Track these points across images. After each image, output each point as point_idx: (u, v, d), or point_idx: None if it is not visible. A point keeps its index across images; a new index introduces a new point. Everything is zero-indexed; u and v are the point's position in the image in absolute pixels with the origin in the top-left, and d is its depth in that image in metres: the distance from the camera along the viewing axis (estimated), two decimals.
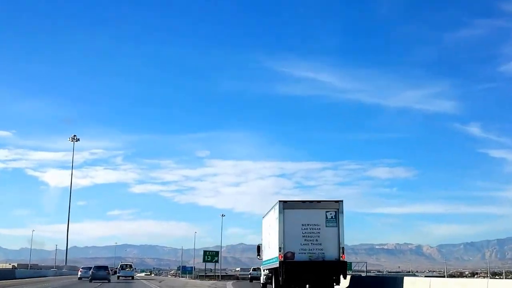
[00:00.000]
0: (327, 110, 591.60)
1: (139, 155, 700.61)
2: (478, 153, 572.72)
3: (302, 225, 22.18)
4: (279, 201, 22.53)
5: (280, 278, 22.18)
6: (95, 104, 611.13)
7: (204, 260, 67.22)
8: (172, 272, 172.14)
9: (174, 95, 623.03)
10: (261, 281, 31.13)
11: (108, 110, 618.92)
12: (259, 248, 30.76)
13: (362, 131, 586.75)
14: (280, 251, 21.93)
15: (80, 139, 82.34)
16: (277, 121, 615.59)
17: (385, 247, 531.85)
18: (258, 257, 30.85)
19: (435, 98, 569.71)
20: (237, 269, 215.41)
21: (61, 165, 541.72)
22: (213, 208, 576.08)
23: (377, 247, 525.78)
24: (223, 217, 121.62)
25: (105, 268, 45.23)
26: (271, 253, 24.37)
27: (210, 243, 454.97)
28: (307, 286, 23.77)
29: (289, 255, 21.96)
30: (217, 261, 68.14)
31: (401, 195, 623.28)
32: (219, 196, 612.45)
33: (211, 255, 68.87)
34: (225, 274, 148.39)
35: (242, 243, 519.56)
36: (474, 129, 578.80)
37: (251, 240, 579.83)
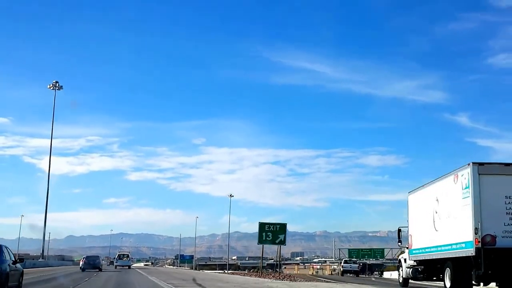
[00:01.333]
0: (322, 100, 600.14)
1: (135, 142, 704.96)
2: (467, 142, 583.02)
3: (506, 197, 16.87)
4: (472, 163, 17.03)
5: (474, 273, 16.86)
6: (92, 91, 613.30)
7: (261, 241, 39.61)
8: (168, 261, 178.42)
9: (170, 83, 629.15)
10: (402, 276, 24.81)
11: (104, 98, 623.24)
12: (400, 232, 26.42)
13: (355, 120, 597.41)
14: (476, 233, 16.39)
15: (63, 87, 62.13)
16: (272, 110, 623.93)
17: (378, 234, 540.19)
18: (400, 243, 26.66)
19: (426, 89, 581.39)
20: (233, 257, 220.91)
21: (58, 152, 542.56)
22: (209, 195, 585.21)
23: (369, 234, 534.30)
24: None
25: (96, 258, 48.24)
26: (446, 237, 18.75)
27: (205, 231, 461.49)
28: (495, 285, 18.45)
29: (488, 239, 16.50)
30: (282, 243, 40.45)
31: (392, 183, 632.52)
32: (214, 184, 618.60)
33: (272, 232, 39.25)
34: (224, 263, 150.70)
35: (237, 231, 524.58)
36: (463, 119, 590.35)
37: (246, 228, 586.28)
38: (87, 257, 47.34)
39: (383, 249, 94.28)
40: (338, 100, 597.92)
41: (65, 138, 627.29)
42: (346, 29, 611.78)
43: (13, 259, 15.87)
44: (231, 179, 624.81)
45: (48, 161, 64.40)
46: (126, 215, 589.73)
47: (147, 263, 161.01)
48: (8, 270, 14.70)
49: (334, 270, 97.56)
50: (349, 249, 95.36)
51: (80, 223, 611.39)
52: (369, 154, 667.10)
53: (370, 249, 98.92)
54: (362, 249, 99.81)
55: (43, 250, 67.61)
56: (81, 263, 48.24)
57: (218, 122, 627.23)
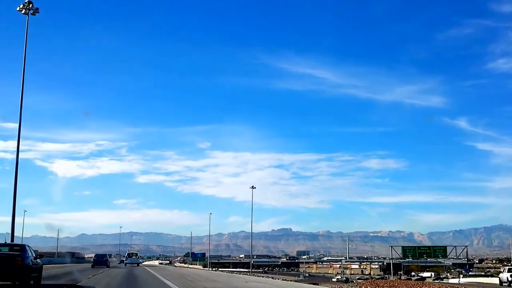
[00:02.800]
0: (323, 105, 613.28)
1: (143, 146, 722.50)
2: (466, 146, 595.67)
3: None
4: None
5: None
6: (100, 97, 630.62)
7: None
8: (178, 258, 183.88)
9: (176, 90, 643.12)
10: None
11: (112, 104, 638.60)
12: None
13: (355, 125, 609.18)
14: None
15: (39, 10, 38.59)
16: (275, 115, 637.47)
17: (379, 234, 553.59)
18: None
19: (426, 94, 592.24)
20: (240, 255, 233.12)
21: (68, 156, 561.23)
22: (215, 197, 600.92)
23: (371, 234, 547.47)
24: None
25: (104, 256, 51.49)
26: None
27: (211, 231, 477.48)
28: None
29: None
30: None
31: (393, 185, 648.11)
32: (220, 186, 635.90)
33: None
34: (237, 261, 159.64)
35: (243, 231, 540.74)
36: (462, 123, 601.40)
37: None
38: (96, 255, 51.56)
39: (445, 246, 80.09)
40: (339, 105, 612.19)
41: (75, 142, 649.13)
42: (346, 36, 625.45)
43: (34, 256, 18.24)
44: (236, 182, 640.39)
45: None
46: (135, 215, 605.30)
47: (161, 261, 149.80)
48: (30, 264, 17.04)
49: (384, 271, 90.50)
50: (403, 247, 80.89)
51: (92, 222, 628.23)
52: (369, 158, 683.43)
53: (430, 247, 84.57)
54: (419, 247, 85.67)
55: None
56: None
57: (223, 127, 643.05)
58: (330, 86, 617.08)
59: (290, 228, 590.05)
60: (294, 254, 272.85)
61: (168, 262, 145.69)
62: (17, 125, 31.36)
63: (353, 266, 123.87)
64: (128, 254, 65.00)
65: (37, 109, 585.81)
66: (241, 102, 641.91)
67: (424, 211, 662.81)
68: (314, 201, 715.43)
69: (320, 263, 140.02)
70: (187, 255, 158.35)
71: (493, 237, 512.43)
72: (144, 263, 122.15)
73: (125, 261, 62.56)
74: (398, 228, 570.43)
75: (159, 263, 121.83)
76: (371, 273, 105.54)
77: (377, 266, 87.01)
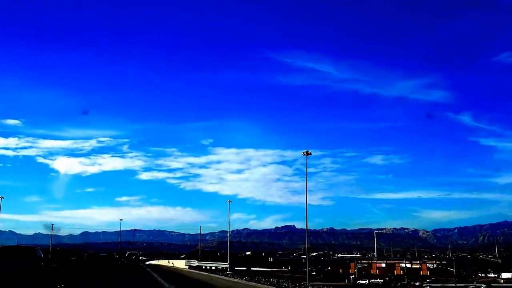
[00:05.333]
0: (326, 100, 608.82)
1: (145, 143, 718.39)
2: (470, 141, 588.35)
3: None
4: None
5: None
6: (101, 93, 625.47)
7: None
8: (183, 256, 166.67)
9: (177, 86, 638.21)
10: None
11: (113, 100, 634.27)
12: None
13: (359, 120, 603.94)
14: None
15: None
16: (278, 110, 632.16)
17: (383, 231, 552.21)
18: None
19: (429, 88, 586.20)
20: (247, 253, 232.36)
21: (71, 153, 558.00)
22: (218, 194, 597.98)
23: (375, 231, 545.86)
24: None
25: (100, 255, 58.35)
26: None
27: (214, 228, 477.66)
28: None
29: None
30: None
31: (397, 182, 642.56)
32: (223, 183, 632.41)
33: None
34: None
35: (246, 228, 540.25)
36: (466, 118, 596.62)
37: (254, 224, 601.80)
38: (95, 255, 56.06)
39: None
40: (342, 100, 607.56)
41: (77, 139, 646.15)
42: (349, 29, 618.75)
43: (42, 255, 23.01)
44: (239, 178, 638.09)
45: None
46: (138, 213, 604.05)
47: (200, 262, 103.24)
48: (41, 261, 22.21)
49: None
50: None
51: (94, 220, 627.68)
52: (373, 154, 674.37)
53: None
54: None
55: None
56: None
57: (225, 123, 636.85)
58: (333, 80, 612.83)
59: (294, 225, 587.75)
60: (301, 251, 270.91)
61: (224, 267, 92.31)
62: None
63: (402, 265, 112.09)
64: (129, 254, 67.89)
65: (38, 105, 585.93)
66: (244, 97, 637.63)
67: (429, 207, 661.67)
68: (318, 198, 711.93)
69: (361, 263, 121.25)
70: (195, 253, 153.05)
71: (498, 234, 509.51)
72: (150, 262, 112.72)
73: (125, 260, 66.87)
74: (402, 225, 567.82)
75: (189, 267, 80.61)
76: (427, 274, 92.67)
77: (433, 265, 68.64)
